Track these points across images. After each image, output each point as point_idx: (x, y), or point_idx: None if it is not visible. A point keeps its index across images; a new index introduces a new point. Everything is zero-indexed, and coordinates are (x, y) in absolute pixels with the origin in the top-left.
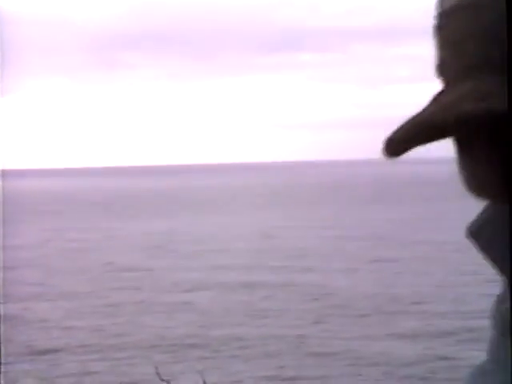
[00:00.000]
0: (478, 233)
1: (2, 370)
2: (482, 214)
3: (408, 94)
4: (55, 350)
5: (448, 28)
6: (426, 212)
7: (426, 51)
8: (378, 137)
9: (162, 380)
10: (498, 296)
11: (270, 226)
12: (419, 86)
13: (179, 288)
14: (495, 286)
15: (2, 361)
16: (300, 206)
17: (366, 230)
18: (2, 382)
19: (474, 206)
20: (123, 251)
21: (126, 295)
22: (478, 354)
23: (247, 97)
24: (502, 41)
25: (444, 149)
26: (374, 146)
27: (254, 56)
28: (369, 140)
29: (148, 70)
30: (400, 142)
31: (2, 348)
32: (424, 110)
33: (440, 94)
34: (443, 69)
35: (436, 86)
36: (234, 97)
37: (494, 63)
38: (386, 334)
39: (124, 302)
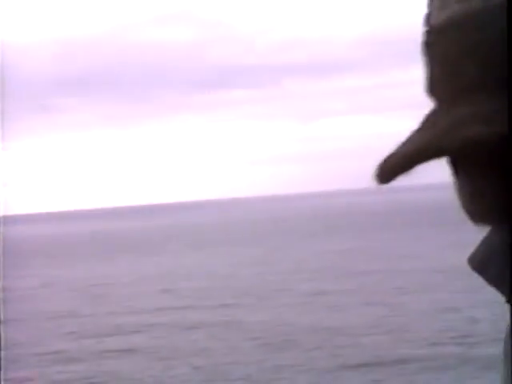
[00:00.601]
0: (484, 266)
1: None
2: (482, 245)
3: (345, 127)
4: None
5: (440, 45)
6: (372, 242)
7: (359, 84)
8: (320, 170)
9: None
10: (509, 330)
11: (215, 264)
12: (355, 119)
13: (122, 331)
14: (442, 313)
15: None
16: (246, 242)
17: (315, 262)
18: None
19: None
20: (63, 298)
21: (68, 342)
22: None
23: (184, 136)
24: (500, 62)
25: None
26: (316, 179)
27: (188, 94)
28: (311, 173)
29: (83, 115)
30: (396, 168)
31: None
32: (421, 134)
33: (433, 115)
34: (434, 88)
35: (372, 118)
36: (170, 137)
37: (491, 85)
38: (336, 366)
39: (67, 349)
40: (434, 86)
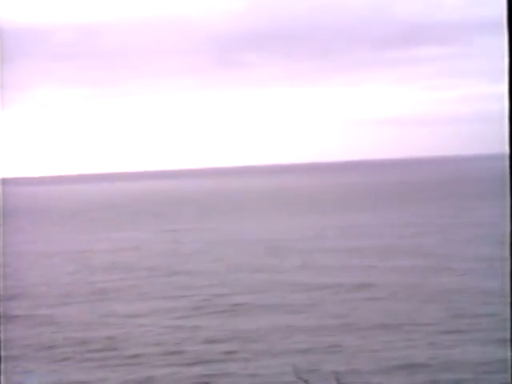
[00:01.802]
0: None
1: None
2: None
3: None
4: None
5: None
6: None
7: None
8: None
9: (299, 378)
10: None
11: (390, 224)
12: None
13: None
14: None
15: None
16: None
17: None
18: (2, 380)
19: None
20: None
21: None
22: None
23: (366, 93)
24: None
25: None
26: (498, 141)
27: (375, 51)
28: (492, 134)
29: (266, 70)
30: None
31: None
32: None
33: None
34: None
35: None
36: (351, 94)
37: None
38: None
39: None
40: None
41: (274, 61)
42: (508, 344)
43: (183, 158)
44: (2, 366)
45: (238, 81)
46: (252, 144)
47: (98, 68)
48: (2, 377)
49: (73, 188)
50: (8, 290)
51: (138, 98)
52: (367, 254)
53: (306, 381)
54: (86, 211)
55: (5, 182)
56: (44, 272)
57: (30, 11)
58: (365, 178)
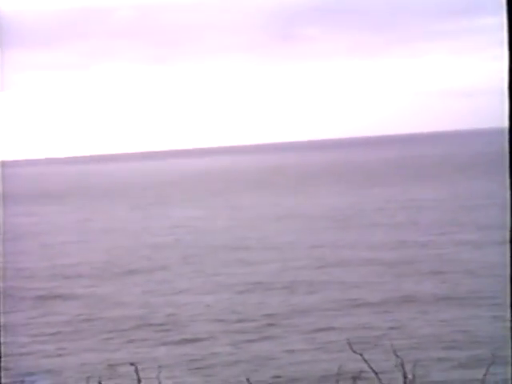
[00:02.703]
0: None
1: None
2: None
3: None
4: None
5: None
6: None
7: None
8: None
9: (355, 352)
10: None
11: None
12: None
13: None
14: None
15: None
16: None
17: None
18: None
19: None
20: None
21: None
22: None
23: (425, 64)
24: None
25: None
26: None
27: (434, 22)
28: None
29: (329, 44)
30: None
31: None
32: None
33: None
34: None
35: None
36: (414, 64)
37: None
38: None
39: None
40: None
41: (336, 34)
42: None
43: (247, 133)
44: (1, 364)
45: (302, 55)
46: (316, 118)
47: (159, 45)
48: (2, 374)
49: (126, 166)
50: (68, 269)
51: (200, 74)
52: (430, 227)
53: (360, 354)
54: (140, 188)
55: (65, 160)
56: (104, 249)
57: None
58: (428, 151)
